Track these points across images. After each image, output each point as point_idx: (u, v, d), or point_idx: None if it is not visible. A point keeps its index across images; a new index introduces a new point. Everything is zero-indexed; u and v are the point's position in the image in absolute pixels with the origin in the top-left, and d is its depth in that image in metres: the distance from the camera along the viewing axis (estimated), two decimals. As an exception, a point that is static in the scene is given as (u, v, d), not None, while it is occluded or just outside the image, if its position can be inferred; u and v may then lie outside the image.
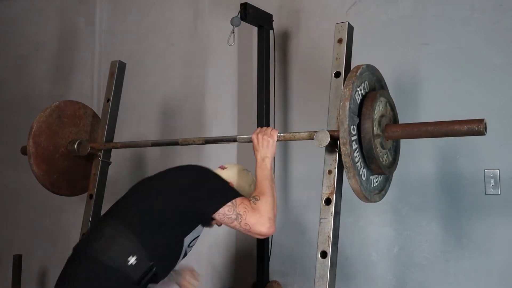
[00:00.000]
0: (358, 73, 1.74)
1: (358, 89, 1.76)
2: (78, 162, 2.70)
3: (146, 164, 3.43)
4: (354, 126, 1.73)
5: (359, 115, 1.77)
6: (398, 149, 2.02)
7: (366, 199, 1.82)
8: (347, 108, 1.68)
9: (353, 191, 1.77)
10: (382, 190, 1.97)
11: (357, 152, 1.75)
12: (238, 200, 1.67)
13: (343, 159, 1.70)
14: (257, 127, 2.80)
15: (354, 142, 1.72)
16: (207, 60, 3.30)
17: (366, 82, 1.83)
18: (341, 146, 1.68)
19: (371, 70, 1.87)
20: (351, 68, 1.91)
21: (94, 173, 2.65)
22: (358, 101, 1.77)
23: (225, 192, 1.71)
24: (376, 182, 1.93)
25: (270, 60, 2.86)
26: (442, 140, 2.36)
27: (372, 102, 1.77)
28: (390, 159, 1.94)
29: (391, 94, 2.05)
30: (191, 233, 1.72)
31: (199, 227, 1.74)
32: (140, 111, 3.51)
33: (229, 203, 1.65)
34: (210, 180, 1.76)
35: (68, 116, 2.66)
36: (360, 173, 1.78)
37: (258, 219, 1.64)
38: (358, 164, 1.76)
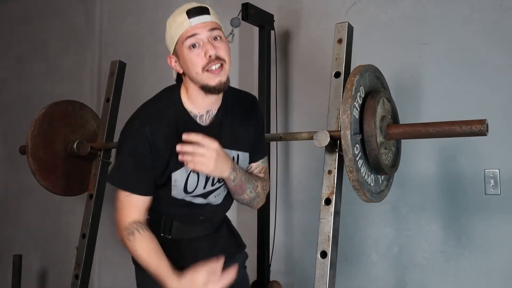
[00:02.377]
0: (353, 92, 1.72)
1: (355, 103, 1.74)
2: (81, 161, 2.71)
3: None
4: (358, 145, 1.74)
5: (361, 129, 1.77)
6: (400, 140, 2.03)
7: (377, 201, 1.85)
8: (349, 137, 1.68)
9: (364, 201, 1.80)
10: (389, 179, 1.99)
11: (363, 168, 1.76)
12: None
13: (351, 183, 1.73)
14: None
15: (359, 161, 1.73)
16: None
17: (361, 88, 1.81)
18: (348, 173, 1.71)
19: (363, 72, 1.84)
20: (351, 68, 1.91)
21: (94, 173, 2.65)
22: (358, 116, 1.76)
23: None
24: (383, 176, 1.95)
25: (271, 60, 2.86)
26: (442, 140, 2.37)
27: (373, 116, 1.75)
28: (393, 151, 1.95)
29: (391, 95, 2.05)
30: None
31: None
32: (140, 111, 3.51)
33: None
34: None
35: (58, 119, 2.65)
36: (369, 182, 1.79)
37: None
38: (366, 177, 1.78)
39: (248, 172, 1.65)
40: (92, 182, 2.64)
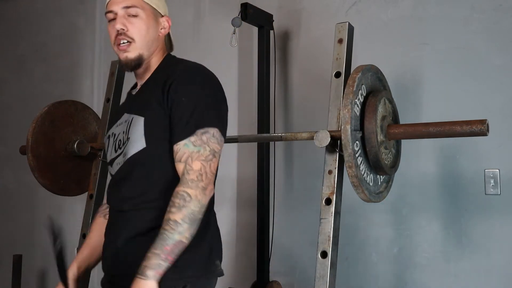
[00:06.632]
0: (355, 88, 1.72)
1: (356, 100, 1.74)
2: (81, 161, 2.70)
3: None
4: (358, 142, 1.74)
5: (362, 127, 1.77)
6: (400, 140, 2.03)
7: (375, 201, 1.85)
8: (349, 132, 1.67)
9: (363, 200, 1.80)
10: (389, 181, 1.99)
11: (362, 165, 1.76)
12: None
13: (350, 180, 1.71)
14: (257, 127, 2.81)
15: (359, 158, 1.73)
16: (207, 61, 3.28)
17: (363, 86, 1.82)
18: (348, 169, 1.70)
19: (365, 71, 1.85)
20: (351, 68, 1.91)
21: (94, 173, 2.65)
22: (358, 113, 1.77)
23: None
24: (383, 177, 1.94)
25: (271, 60, 2.86)
26: (442, 140, 2.37)
27: (374, 113, 1.76)
28: (393, 152, 1.95)
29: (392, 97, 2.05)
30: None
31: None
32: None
33: None
34: None
35: (60, 118, 2.65)
36: (367, 181, 1.79)
37: None
38: (365, 175, 1.77)
39: (161, 229, 1.29)
40: (92, 182, 2.64)
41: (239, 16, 2.61)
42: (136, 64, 1.49)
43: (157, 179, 1.40)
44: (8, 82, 4.33)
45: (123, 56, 1.48)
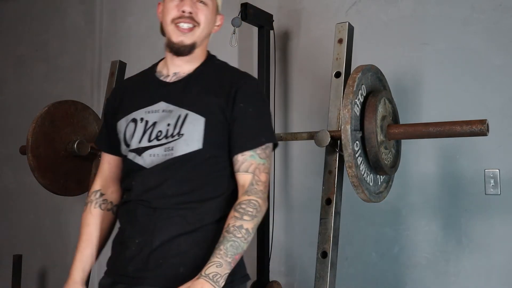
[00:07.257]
0: (355, 88, 1.73)
1: (356, 100, 1.75)
2: (81, 161, 2.71)
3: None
4: (358, 142, 1.74)
5: (362, 127, 1.77)
6: (400, 140, 2.03)
7: (375, 201, 1.85)
8: (349, 132, 1.68)
9: (363, 200, 1.80)
10: (389, 181, 2.00)
11: (362, 165, 1.77)
12: None
13: (350, 180, 1.72)
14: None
15: (359, 158, 1.73)
16: (207, 60, 3.29)
17: (363, 86, 1.82)
18: (348, 169, 1.70)
19: (366, 71, 1.86)
20: (351, 68, 1.92)
21: (94, 173, 2.65)
22: (358, 113, 1.77)
23: None
24: (383, 177, 1.95)
25: (271, 60, 2.86)
26: (442, 140, 2.37)
27: (374, 113, 1.77)
28: (393, 152, 1.95)
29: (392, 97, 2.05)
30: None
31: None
32: (140, 111, 3.50)
33: None
34: None
35: (60, 118, 2.65)
36: (367, 181, 1.80)
37: None
38: (365, 175, 1.78)
39: (225, 230, 1.29)
40: (92, 182, 2.64)
41: (239, 16, 2.61)
42: (187, 50, 1.45)
43: (206, 181, 1.38)
44: (8, 82, 4.33)
45: (179, 39, 1.43)
